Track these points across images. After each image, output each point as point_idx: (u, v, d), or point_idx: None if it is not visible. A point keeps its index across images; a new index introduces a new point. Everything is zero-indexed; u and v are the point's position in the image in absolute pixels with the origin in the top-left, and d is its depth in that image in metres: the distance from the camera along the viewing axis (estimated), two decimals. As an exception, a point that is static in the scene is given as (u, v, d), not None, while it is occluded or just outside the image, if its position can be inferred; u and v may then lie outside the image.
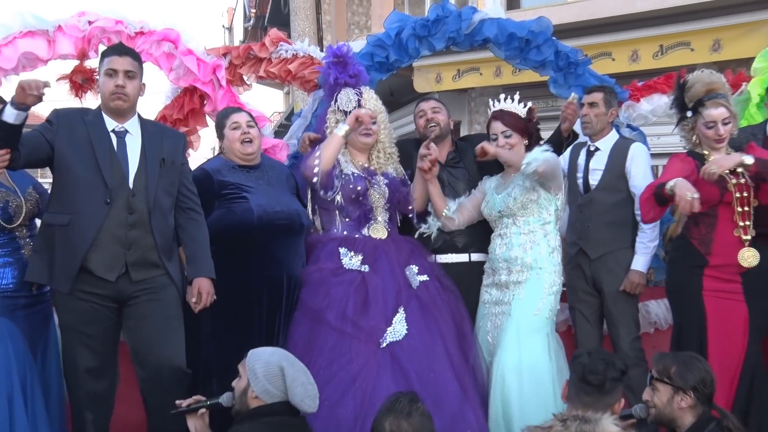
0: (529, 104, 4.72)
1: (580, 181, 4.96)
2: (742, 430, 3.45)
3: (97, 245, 3.92)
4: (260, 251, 4.41)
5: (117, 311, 4.03)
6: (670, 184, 4.15)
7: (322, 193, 4.49)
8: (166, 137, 4.26)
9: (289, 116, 12.78)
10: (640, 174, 4.80)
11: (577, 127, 5.33)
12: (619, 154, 4.88)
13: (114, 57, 4.08)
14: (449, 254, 4.77)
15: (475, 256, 4.77)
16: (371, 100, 4.74)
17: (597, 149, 4.95)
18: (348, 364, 4.05)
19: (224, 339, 4.34)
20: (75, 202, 3.95)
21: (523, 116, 4.65)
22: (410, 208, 4.78)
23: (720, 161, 4.19)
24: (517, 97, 4.66)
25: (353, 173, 4.54)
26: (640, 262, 4.81)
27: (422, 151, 4.57)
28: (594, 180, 4.90)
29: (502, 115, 4.61)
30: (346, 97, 4.67)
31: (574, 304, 4.90)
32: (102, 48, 5.08)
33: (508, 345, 4.30)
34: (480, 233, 4.75)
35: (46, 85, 3.70)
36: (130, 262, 3.97)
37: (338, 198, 4.51)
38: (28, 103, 3.65)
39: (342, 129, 4.43)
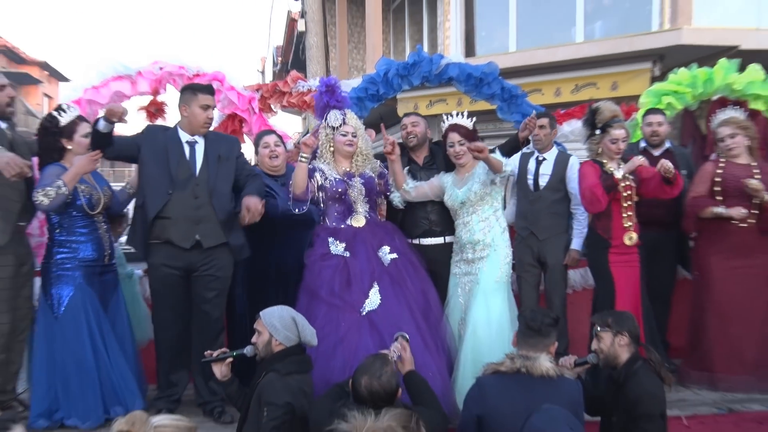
0: (474, 118, 4.59)
1: (530, 182, 4.96)
2: (661, 362, 3.46)
3: (174, 223, 4.09)
4: (280, 237, 4.49)
5: (187, 278, 4.18)
6: (618, 174, 4.39)
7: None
8: (222, 141, 4.38)
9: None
10: (576, 179, 4.83)
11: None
12: (561, 164, 4.93)
13: (209, 96, 4.24)
14: (430, 238, 4.65)
15: (449, 238, 4.64)
16: (353, 119, 4.55)
17: (544, 159, 4.98)
18: (337, 328, 4.02)
19: (252, 301, 4.48)
20: (147, 190, 4.13)
21: (471, 128, 4.51)
22: (391, 190, 4.66)
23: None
24: (465, 113, 4.54)
25: (335, 178, 4.39)
26: (577, 243, 4.89)
27: (384, 142, 4.49)
28: (543, 182, 4.92)
29: (458, 128, 4.46)
30: (333, 116, 4.50)
31: (521, 273, 4.87)
32: (170, 87, 5.20)
33: (478, 305, 4.24)
34: (451, 222, 4.62)
35: (124, 112, 3.90)
36: (200, 234, 4.11)
37: (320, 200, 4.41)
38: (114, 121, 3.88)
39: (302, 157, 4.30)
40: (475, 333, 4.15)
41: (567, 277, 5.05)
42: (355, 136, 4.46)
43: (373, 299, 4.11)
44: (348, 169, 4.46)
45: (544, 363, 3.11)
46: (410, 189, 4.57)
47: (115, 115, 3.86)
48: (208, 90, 4.28)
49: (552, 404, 2.83)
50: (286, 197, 4.41)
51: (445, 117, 4.58)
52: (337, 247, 4.28)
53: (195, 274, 4.17)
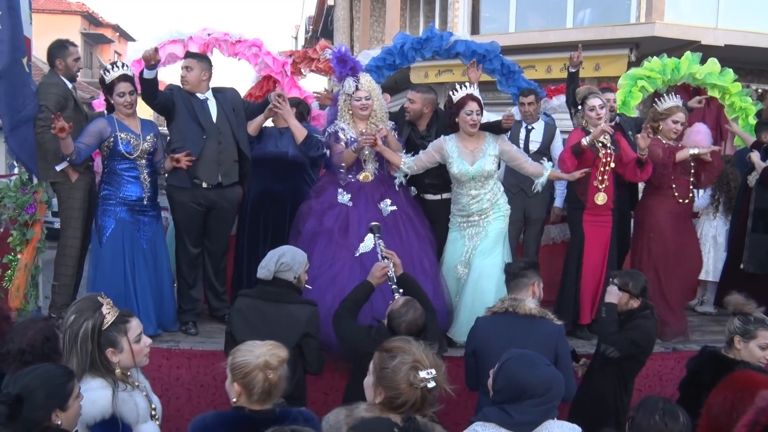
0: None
1: (522, 147, 4.83)
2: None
3: (202, 165, 4.07)
4: (288, 171, 4.44)
5: (206, 214, 4.19)
6: (584, 141, 4.16)
7: (342, 174, 4.17)
8: (228, 96, 4.28)
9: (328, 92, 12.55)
10: (559, 147, 4.86)
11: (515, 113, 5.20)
12: (548, 133, 4.98)
13: (186, 59, 4.26)
14: (429, 194, 4.42)
15: (445, 196, 4.36)
16: (367, 82, 4.19)
17: (533, 128, 4.96)
18: (332, 265, 3.87)
19: (255, 225, 4.48)
20: (185, 137, 4.11)
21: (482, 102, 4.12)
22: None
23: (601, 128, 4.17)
24: (476, 87, 4.19)
25: (351, 138, 4.13)
26: (559, 202, 4.99)
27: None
28: (533, 147, 4.90)
29: (477, 99, 4.07)
30: (347, 84, 4.18)
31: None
32: (216, 51, 5.10)
33: (484, 253, 4.00)
34: (446, 182, 4.30)
35: (153, 54, 3.86)
36: (221, 173, 4.13)
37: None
38: (152, 64, 3.86)
39: (349, 151, 4.07)
40: (479, 278, 3.93)
41: (543, 230, 4.97)
42: (368, 99, 4.14)
43: (368, 243, 3.87)
44: (364, 129, 4.17)
45: (529, 303, 3.02)
46: (409, 164, 4.14)
47: (149, 59, 3.84)
48: (187, 54, 4.36)
49: (532, 340, 2.76)
50: (286, 144, 4.38)
51: (458, 86, 4.16)
52: (344, 197, 4.11)
53: (212, 211, 4.19)
